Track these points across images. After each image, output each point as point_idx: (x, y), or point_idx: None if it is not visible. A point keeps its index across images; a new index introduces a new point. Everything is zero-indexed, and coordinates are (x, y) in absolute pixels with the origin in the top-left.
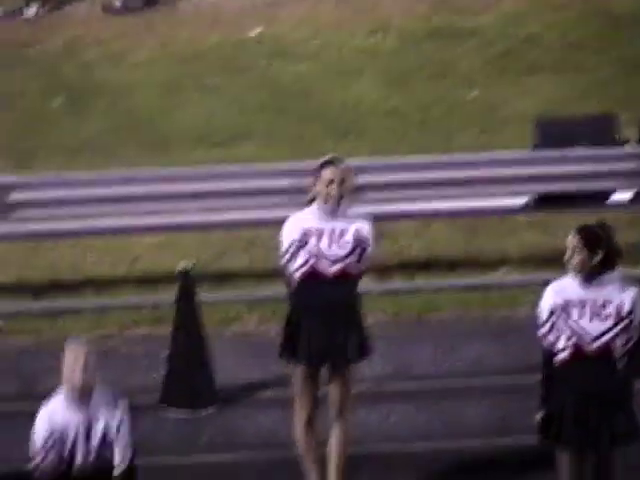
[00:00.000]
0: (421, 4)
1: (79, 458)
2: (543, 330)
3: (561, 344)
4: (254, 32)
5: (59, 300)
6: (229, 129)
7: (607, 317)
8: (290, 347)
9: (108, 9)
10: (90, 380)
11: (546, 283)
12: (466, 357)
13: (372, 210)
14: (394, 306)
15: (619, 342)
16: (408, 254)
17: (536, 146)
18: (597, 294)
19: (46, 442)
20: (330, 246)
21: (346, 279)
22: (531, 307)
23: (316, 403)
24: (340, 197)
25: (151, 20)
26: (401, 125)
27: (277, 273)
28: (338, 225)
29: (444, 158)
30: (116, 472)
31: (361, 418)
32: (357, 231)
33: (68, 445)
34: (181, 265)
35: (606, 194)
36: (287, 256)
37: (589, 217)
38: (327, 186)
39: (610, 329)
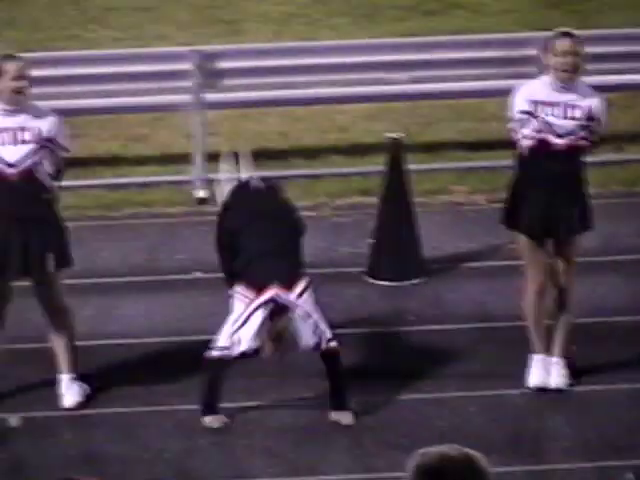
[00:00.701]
0: None
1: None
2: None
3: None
4: None
5: (268, 168)
6: None
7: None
8: (513, 216)
9: None
10: None
11: None
12: None
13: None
14: (603, 177)
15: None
16: (615, 126)
17: None
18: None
19: None
20: (561, 119)
21: (574, 152)
22: None
23: (547, 273)
24: (575, 71)
25: None
26: None
27: (486, 144)
28: (570, 98)
29: None
30: None
31: None
32: (589, 105)
33: None
34: (390, 134)
35: None
36: (514, 124)
37: None
38: (561, 57)
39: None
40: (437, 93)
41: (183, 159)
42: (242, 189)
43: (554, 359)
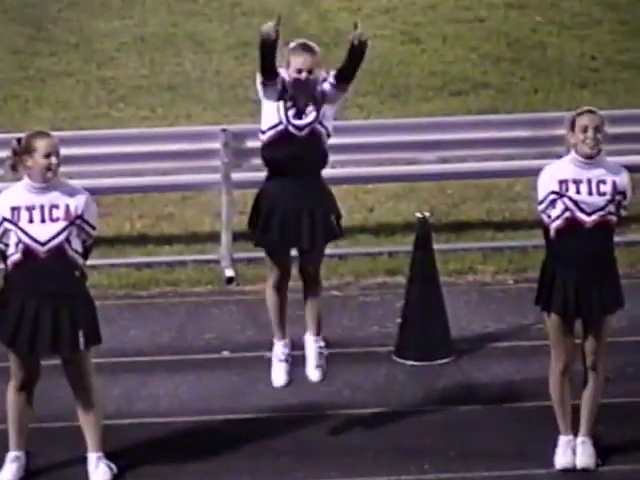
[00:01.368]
0: None
1: None
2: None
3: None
4: None
5: None
6: (466, 79)
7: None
8: (545, 296)
9: None
10: None
11: None
12: None
13: (620, 160)
14: (631, 258)
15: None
16: None
17: None
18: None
19: None
20: (588, 196)
21: (603, 229)
22: None
23: (573, 354)
24: (597, 146)
25: None
26: (638, 77)
27: (514, 224)
28: (595, 174)
29: None
30: None
31: None
32: (615, 181)
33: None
34: (418, 214)
35: None
36: (543, 206)
37: None
38: (583, 134)
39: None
40: (464, 173)
41: (210, 238)
42: None
43: (580, 439)
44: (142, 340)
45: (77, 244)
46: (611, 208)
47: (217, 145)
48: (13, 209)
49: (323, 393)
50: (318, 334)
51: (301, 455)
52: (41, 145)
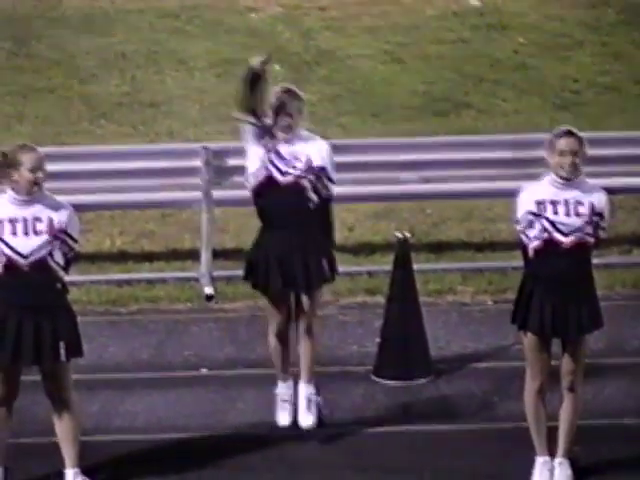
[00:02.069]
0: None
1: None
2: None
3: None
4: (475, 2)
5: None
6: (448, 99)
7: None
8: (522, 316)
9: None
10: None
11: None
12: None
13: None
14: (609, 279)
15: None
16: (623, 229)
17: None
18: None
19: None
20: (565, 217)
21: (581, 250)
22: None
23: (547, 374)
24: (575, 167)
25: None
26: (619, 99)
27: (493, 245)
28: (573, 195)
29: None
30: None
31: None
32: (592, 202)
33: None
34: (398, 234)
35: None
36: (522, 226)
37: None
38: (561, 155)
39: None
40: (445, 193)
41: (190, 255)
42: None
43: (558, 460)
44: (121, 356)
45: (59, 257)
46: (589, 229)
47: (198, 163)
48: None
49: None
50: (310, 381)
51: (280, 473)
52: (27, 159)
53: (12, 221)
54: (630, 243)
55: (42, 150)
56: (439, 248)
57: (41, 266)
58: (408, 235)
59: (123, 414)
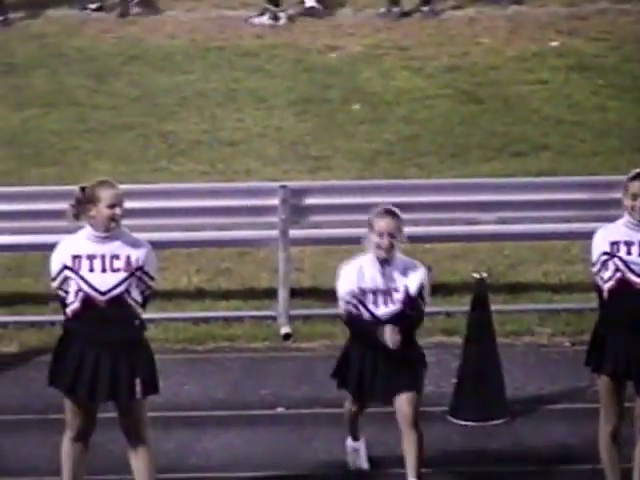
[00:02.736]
0: None
1: None
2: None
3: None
4: (555, 43)
5: None
6: (526, 140)
7: None
8: (596, 358)
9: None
10: None
11: None
12: None
13: None
14: None
15: None
16: None
17: None
18: None
19: None
20: (639, 257)
21: None
22: None
23: (622, 416)
24: None
25: (448, 27)
26: None
27: (570, 286)
28: None
29: None
30: None
31: None
32: None
33: None
34: (476, 274)
35: None
36: (597, 268)
37: None
38: (632, 199)
39: None
40: (523, 234)
41: (267, 294)
42: None
43: None
44: (197, 394)
45: (136, 294)
46: None
47: (275, 201)
48: (74, 257)
49: (378, 451)
50: (418, 477)
51: None
52: (106, 195)
53: (90, 257)
54: None
55: (120, 188)
56: (516, 289)
57: (118, 303)
58: (485, 275)
59: (199, 452)
